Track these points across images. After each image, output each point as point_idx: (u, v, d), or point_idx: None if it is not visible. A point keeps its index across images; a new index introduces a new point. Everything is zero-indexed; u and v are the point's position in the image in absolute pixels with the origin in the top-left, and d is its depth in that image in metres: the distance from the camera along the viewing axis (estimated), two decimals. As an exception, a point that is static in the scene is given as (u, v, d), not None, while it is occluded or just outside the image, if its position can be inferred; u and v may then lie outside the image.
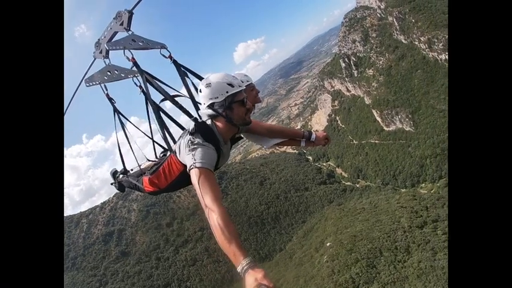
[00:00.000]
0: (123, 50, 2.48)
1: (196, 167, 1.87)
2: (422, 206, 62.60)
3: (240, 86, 2.13)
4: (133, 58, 2.45)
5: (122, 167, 3.22)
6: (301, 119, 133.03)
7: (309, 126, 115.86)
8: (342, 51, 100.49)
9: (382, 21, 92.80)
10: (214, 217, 1.65)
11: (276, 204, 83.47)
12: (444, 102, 75.80)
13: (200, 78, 2.45)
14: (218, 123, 2.17)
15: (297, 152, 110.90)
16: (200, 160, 1.89)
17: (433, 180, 73.87)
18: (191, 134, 2.07)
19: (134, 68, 2.53)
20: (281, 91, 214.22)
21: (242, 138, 2.80)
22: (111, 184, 3.30)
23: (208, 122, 2.16)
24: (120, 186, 3.19)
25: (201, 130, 2.08)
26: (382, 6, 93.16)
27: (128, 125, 3.10)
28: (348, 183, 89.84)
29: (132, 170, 3.16)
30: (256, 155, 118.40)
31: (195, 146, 1.97)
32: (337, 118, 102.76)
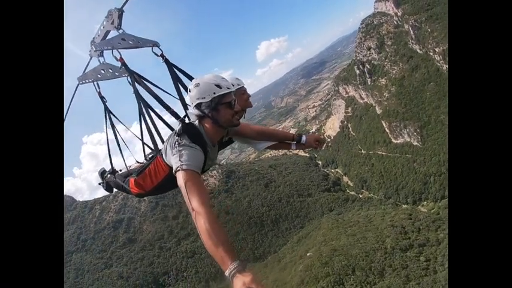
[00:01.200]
0: (111, 50, 2.48)
1: (182, 169, 1.83)
2: (415, 227, 62.37)
3: (228, 88, 2.10)
4: (121, 58, 2.46)
5: (111, 167, 3.18)
6: (317, 122, 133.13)
7: (323, 131, 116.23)
8: (357, 58, 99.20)
9: (398, 28, 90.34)
10: (201, 221, 1.63)
11: (277, 207, 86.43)
12: None
13: (191, 78, 2.46)
14: (206, 125, 2.15)
15: (308, 155, 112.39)
16: (187, 162, 1.86)
17: (435, 199, 72.55)
18: (178, 135, 2.04)
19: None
20: (301, 91, 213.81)
21: (233, 141, 2.79)
22: (99, 184, 3.28)
23: (196, 123, 2.15)
24: (108, 187, 3.18)
25: (188, 131, 2.06)
26: (399, 13, 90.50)
27: (122, 125, 3.06)
28: (352, 192, 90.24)
29: (121, 170, 3.13)
30: (270, 155, 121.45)
31: (182, 148, 1.93)
32: (349, 125, 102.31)
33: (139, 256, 73.12)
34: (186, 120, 2.18)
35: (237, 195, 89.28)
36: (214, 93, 2.05)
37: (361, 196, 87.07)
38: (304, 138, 2.87)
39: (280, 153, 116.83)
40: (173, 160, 1.93)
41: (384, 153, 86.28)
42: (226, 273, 1.47)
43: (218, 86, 2.07)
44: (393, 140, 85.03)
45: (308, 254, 57.53)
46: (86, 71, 2.93)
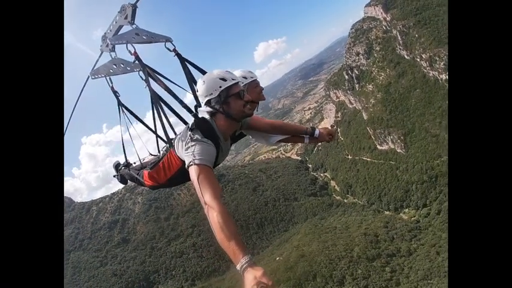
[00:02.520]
0: (125, 44, 2.52)
1: (195, 164, 1.86)
2: (389, 236, 63.99)
3: (233, 80, 2.11)
4: (135, 52, 2.50)
5: (125, 160, 3.24)
6: (311, 124, 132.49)
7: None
8: (347, 63, 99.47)
9: (387, 34, 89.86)
10: (214, 214, 1.65)
11: (263, 210, 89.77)
12: (439, 127, 73.30)
13: (203, 72, 2.47)
14: (218, 120, 2.16)
15: (299, 159, 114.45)
16: (199, 157, 1.89)
17: (416, 207, 73.29)
18: (190, 130, 2.07)
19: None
20: (298, 93, 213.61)
21: (244, 135, 2.81)
22: (114, 176, 3.35)
23: (208, 117, 2.16)
24: (122, 179, 3.25)
25: (201, 126, 2.08)
26: (388, 18, 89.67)
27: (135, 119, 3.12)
28: (338, 197, 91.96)
29: (135, 163, 3.19)
30: (263, 157, 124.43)
31: (194, 143, 1.96)
32: (338, 130, 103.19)
33: (132, 255, 78.90)
34: (200, 115, 2.19)
35: (225, 199, 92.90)
36: (220, 86, 2.08)
37: (346, 201, 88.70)
38: (317, 131, 2.85)
39: (273, 156, 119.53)
40: (186, 155, 1.97)
41: (368, 159, 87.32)
42: (238, 266, 1.49)
43: (223, 79, 2.10)
44: (378, 147, 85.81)
45: (277, 259, 60.69)
46: (97, 66, 2.96)
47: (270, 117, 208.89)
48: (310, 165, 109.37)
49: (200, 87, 2.15)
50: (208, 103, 2.13)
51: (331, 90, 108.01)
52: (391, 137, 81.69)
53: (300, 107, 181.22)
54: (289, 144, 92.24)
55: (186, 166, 1.94)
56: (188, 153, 1.94)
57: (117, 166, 3.38)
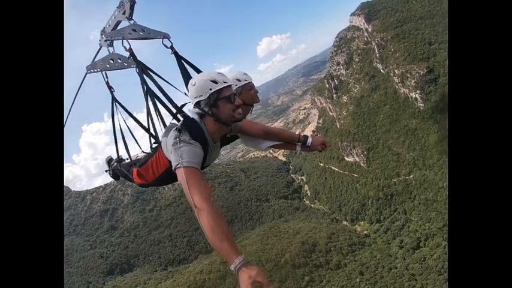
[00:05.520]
0: (121, 40, 2.50)
1: (183, 166, 1.84)
2: (327, 247, 68.56)
3: (225, 82, 2.07)
4: (130, 49, 2.49)
5: (117, 155, 3.20)
6: (302, 126, 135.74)
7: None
8: (329, 72, 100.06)
9: (367, 45, 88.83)
10: (204, 217, 1.65)
11: (235, 209, 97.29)
12: (402, 146, 74.69)
13: (199, 72, 2.45)
14: (207, 122, 2.13)
15: (284, 160, 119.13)
16: (187, 159, 1.86)
17: (370, 221, 76.55)
18: (178, 130, 2.01)
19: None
20: (298, 91, 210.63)
21: (237, 137, 2.74)
22: (106, 171, 3.34)
23: (198, 119, 2.12)
24: (114, 174, 3.23)
25: (189, 127, 2.04)
26: (369, 29, 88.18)
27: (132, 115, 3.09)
28: (307, 202, 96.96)
29: (127, 159, 3.14)
30: (253, 155, 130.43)
31: (182, 144, 1.92)
32: (318, 135, 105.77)
33: (117, 241, 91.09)
34: (190, 115, 2.15)
35: (215, 196, 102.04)
36: (211, 89, 2.04)
37: (313, 206, 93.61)
38: (309, 140, 2.79)
39: (261, 155, 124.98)
40: (172, 156, 1.95)
41: (335, 169, 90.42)
42: (232, 267, 1.51)
43: (214, 81, 2.05)
44: (345, 158, 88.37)
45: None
46: (95, 60, 2.95)
47: (268, 113, 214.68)
48: (291, 167, 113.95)
49: (191, 88, 2.13)
50: (197, 105, 2.11)
51: (315, 95, 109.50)
52: (356, 150, 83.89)
53: (296, 106, 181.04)
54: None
55: (173, 168, 1.93)
56: (175, 155, 1.92)
57: (109, 161, 3.34)
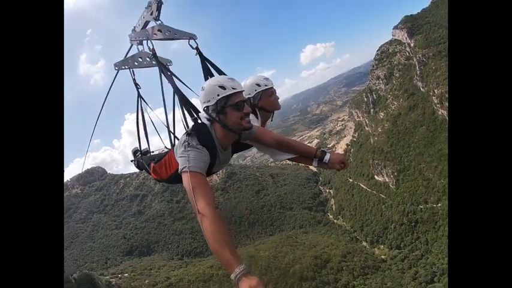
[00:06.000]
0: (146, 41, 2.54)
1: (189, 171, 1.85)
2: (339, 266, 66.13)
3: (234, 89, 2.02)
4: (153, 49, 2.51)
5: (144, 147, 3.28)
6: (338, 138, 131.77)
7: (334, 149, 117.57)
8: (369, 85, 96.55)
9: (408, 61, 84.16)
10: (207, 223, 1.66)
11: (258, 212, 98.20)
12: (433, 172, 69.70)
13: (222, 74, 2.48)
14: (216, 127, 2.10)
15: (314, 171, 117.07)
16: (193, 164, 1.88)
17: (390, 246, 72.59)
18: (188, 135, 2.02)
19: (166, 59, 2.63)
20: (338, 101, 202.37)
21: (251, 146, 2.64)
22: (131, 161, 3.47)
23: (208, 124, 2.10)
24: (138, 165, 3.32)
25: (198, 132, 2.03)
26: (411, 44, 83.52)
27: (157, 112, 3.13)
28: (331, 216, 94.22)
29: (152, 152, 3.23)
30: (284, 162, 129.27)
31: (190, 149, 1.94)
32: (352, 150, 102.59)
33: (142, 225, 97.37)
34: (203, 119, 2.13)
35: (230, 195, 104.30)
36: (218, 95, 2.01)
37: (335, 222, 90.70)
38: (327, 157, 2.53)
39: (293, 163, 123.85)
40: (180, 160, 1.97)
41: (364, 187, 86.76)
42: (232, 276, 1.50)
43: (222, 87, 2.02)
44: (375, 176, 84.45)
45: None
46: (125, 58, 3.00)
47: (306, 122, 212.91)
48: (320, 179, 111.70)
49: (200, 92, 2.11)
50: (206, 110, 2.09)
51: (353, 108, 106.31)
52: (386, 170, 79.78)
53: (335, 116, 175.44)
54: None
55: (179, 171, 1.95)
56: (182, 159, 1.93)
57: (135, 152, 3.42)
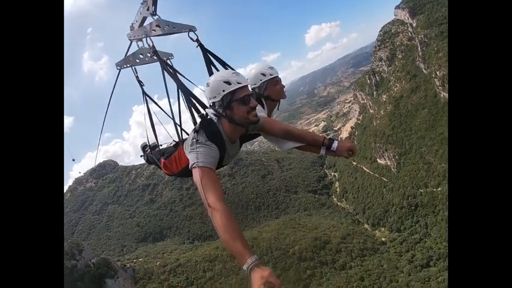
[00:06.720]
0: (145, 38, 2.51)
1: (198, 166, 1.89)
2: (338, 247, 68.19)
3: (239, 83, 2.04)
4: (153, 46, 2.51)
5: (152, 142, 3.32)
6: (344, 120, 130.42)
7: (339, 132, 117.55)
8: (372, 67, 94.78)
9: (410, 41, 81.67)
10: (217, 216, 1.69)
11: (264, 196, 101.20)
12: (434, 155, 69.73)
13: (225, 65, 2.50)
14: (223, 123, 2.13)
15: (319, 154, 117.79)
16: (202, 159, 1.92)
17: (391, 229, 74.24)
18: (196, 131, 2.06)
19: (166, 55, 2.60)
20: (345, 82, 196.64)
21: (259, 135, 2.66)
22: (140, 156, 3.53)
23: (215, 119, 2.13)
24: (148, 160, 3.39)
25: (206, 128, 2.07)
26: (413, 24, 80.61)
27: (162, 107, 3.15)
28: (335, 199, 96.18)
29: (161, 145, 3.23)
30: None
31: (198, 145, 1.98)
32: (356, 133, 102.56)
33: (155, 213, 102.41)
34: (210, 115, 2.16)
35: (236, 180, 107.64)
36: (224, 90, 2.03)
37: (339, 204, 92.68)
38: (335, 144, 2.58)
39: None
40: (189, 156, 2.01)
41: (366, 170, 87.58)
42: (244, 267, 1.53)
43: (227, 82, 2.04)
44: (378, 159, 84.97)
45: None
46: (125, 56, 2.97)
47: (313, 104, 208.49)
48: (326, 162, 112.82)
49: (205, 88, 2.13)
50: (212, 106, 2.12)
51: (357, 90, 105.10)
52: (388, 153, 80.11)
53: (342, 98, 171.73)
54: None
55: (189, 167, 1.99)
56: (192, 155, 1.98)
57: (144, 147, 3.47)
